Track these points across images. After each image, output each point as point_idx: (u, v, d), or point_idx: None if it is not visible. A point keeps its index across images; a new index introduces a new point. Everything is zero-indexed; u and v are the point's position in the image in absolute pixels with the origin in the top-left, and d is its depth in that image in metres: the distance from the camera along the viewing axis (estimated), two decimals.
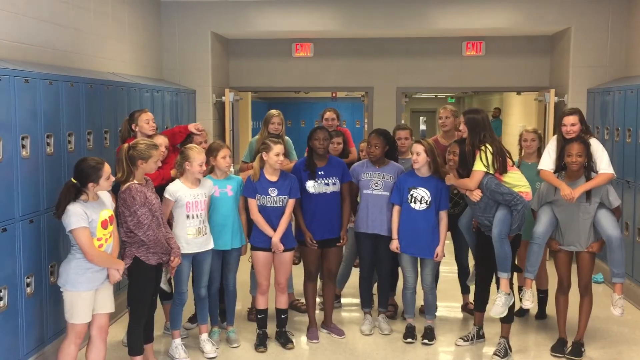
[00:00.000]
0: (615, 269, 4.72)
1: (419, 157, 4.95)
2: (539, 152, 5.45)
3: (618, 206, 4.79)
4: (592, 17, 7.78)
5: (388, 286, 5.50)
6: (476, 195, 4.62)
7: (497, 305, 4.71)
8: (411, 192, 5.00)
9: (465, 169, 4.71)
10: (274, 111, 5.91)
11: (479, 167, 4.62)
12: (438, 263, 5.20)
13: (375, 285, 5.59)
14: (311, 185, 5.05)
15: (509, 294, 4.72)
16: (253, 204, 4.89)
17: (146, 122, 4.99)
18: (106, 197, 4.15)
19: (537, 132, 5.57)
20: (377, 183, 5.17)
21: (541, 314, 5.73)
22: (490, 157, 4.61)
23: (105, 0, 6.44)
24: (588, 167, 4.71)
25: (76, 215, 3.87)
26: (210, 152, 4.91)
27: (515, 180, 4.75)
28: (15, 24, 4.80)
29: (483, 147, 4.64)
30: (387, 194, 5.14)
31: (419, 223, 5.01)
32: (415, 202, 5.00)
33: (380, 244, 5.22)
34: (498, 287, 4.79)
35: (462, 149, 4.71)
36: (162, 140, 4.93)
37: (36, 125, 4.41)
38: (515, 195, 4.58)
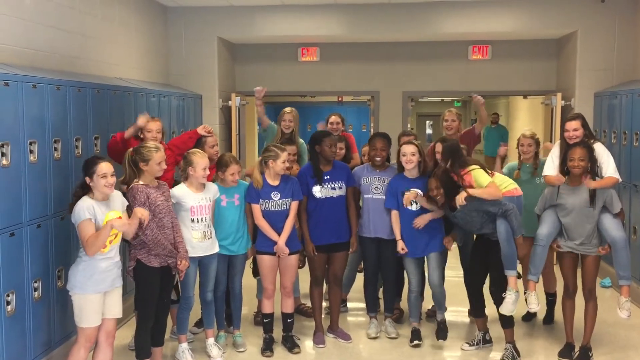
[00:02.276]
0: (621, 271, 4.70)
1: (413, 157, 4.99)
2: (537, 156, 5.50)
3: (621, 209, 4.79)
4: (599, 20, 7.76)
5: (394, 290, 5.50)
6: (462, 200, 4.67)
7: (508, 302, 4.71)
8: (405, 195, 5.01)
9: (452, 198, 4.72)
10: (287, 109, 6.04)
11: (487, 180, 4.65)
12: (444, 259, 5.18)
13: (381, 289, 5.58)
14: (318, 190, 5.06)
15: (517, 291, 4.73)
16: (257, 209, 4.90)
17: (148, 131, 5.03)
18: (118, 199, 4.17)
19: (535, 137, 5.56)
20: (377, 187, 5.17)
21: (549, 317, 5.70)
22: (483, 170, 4.72)
23: (111, 5, 6.48)
24: (592, 172, 4.70)
25: (82, 210, 3.93)
26: (220, 165, 4.92)
27: (501, 181, 4.80)
28: (23, 29, 4.83)
29: (470, 167, 4.73)
30: None
31: None
32: (411, 204, 5.01)
33: (384, 248, 5.23)
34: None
35: (443, 179, 4.76)
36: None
37: (44, 131, 4.43)
38: (498, 204, 4.62)
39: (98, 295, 4.03)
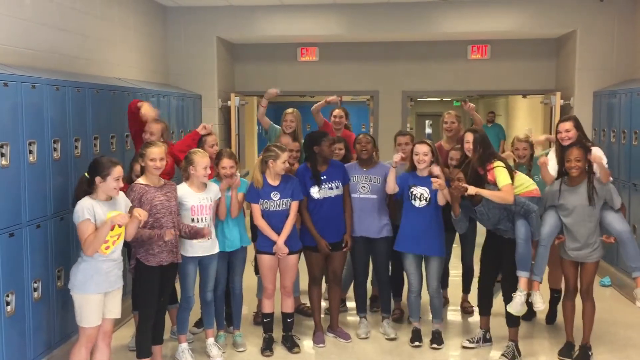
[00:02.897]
0: (632, 262, 4.70)
1: (426, 157, 4.95)
2: (532, 157, 5.51)
3: (622, 204, 4.80)
4: (598, 20, 7.77)
5: (389, 290, 5.49)
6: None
7: (517, 303, 4.73)
8: (411, 190, 5.01)
9: (477, 183, 4.71)
10: (288, 109, 6.11)
11: (508, 181, 4.66)
12: (442, 265, 5.18)
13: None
14: (316, 191, 5.05)
15: (527, 293, 4.77)
16: (256, 209, 4.89)
17: (151, 133, 5.00)
18: (122, 200, 4.16)
19: (529, 141, 5.57)
20: (364, 186, 5.18)
21: (552, 316, 5.70)
22: (506, 170, 4.72)
23: (111, 6, 6.48)
24: (589, 172, 4.70)
25: (82, 210, 3.92)
26: (216, 159, 4.94)
27: (522, 181, 4.84)
28: (22, 30, 4.83)
29: (496, 163, 4.73)
30: (375, 197, 5.17)
31: (420, 220, 5.00)
32: (415, 200, 5.01)
33: (375, 247, 5.24)
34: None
35: (467, 171, 4.75)
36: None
37: (43, 131, 4.43)
38: (522, 203, 4.64)
39: (99, 295, 4.03)
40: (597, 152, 4.68)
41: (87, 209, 3.93)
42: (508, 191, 4.62)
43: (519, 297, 4.72)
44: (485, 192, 4.65)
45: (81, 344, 4.05)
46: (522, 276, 4.73)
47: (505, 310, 4.92)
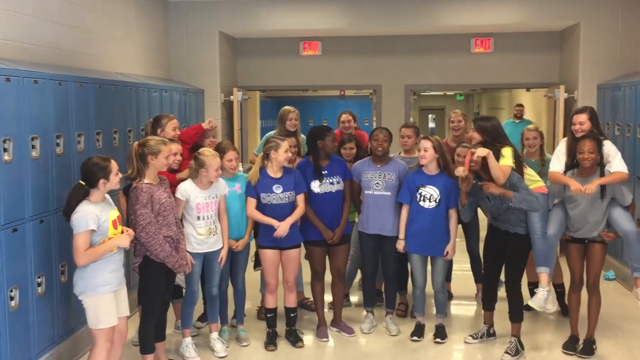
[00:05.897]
0: (635, 263, 4.69)
1: (426, 153, 4.90)
2: (542, 150, 5.50)
3: (633, 201, 4.78)
4: (602, 12, 7.73)
5: (395, 286, 5.46)
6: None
7: (540, 299, 4.74)
8: (420, 191, 4.96)
9: (487, 173, 4.65)
10: (289, 107, 5.95)
11: (509, 162, 4.63)
12: (448, 262, 5.17)
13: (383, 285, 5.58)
14: (317, 186, 5.04)
15: (549, 290, 4.78)
16: (251, 203, 4.89)
17: (173, 129, 5.01)
18: (110, 199, 4.13)
19: (539, 130, 5.54)
20: (377, 183, 5.13)
21: (563, 309, 5.60)
22: (513, 155, 4.69)
23: (113, 1, 6.46)
24: (601, 165, 4.67)
25: (86, 219, 3.81)
26: (218, 152, 4.92)
27: (533, 177, 4.85)
28: (23, 24, 4.82)
29: (504, 149, 4.71)
30: (389, 194, 5.10)
31: (428, 222, 4.95)
32: (424, 201, 4.96)
33: (385, 244, 5.20)
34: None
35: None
36: (176, 148, 4.85)
37: (45, 126, 4.42)
38: (531, 192, 4.61)
39: (111, 294, 4.00)
40: (581, 187, 4.55)
41: (91, 219, 3.83)
42: (505, 171, 4.57)
43: (541, 292, 4.73)
44: (492, 161, 4.53)
45: (101, 346, 3.99)
46: (543, 272, 4.74)
47: (509, 305, 4.91)
